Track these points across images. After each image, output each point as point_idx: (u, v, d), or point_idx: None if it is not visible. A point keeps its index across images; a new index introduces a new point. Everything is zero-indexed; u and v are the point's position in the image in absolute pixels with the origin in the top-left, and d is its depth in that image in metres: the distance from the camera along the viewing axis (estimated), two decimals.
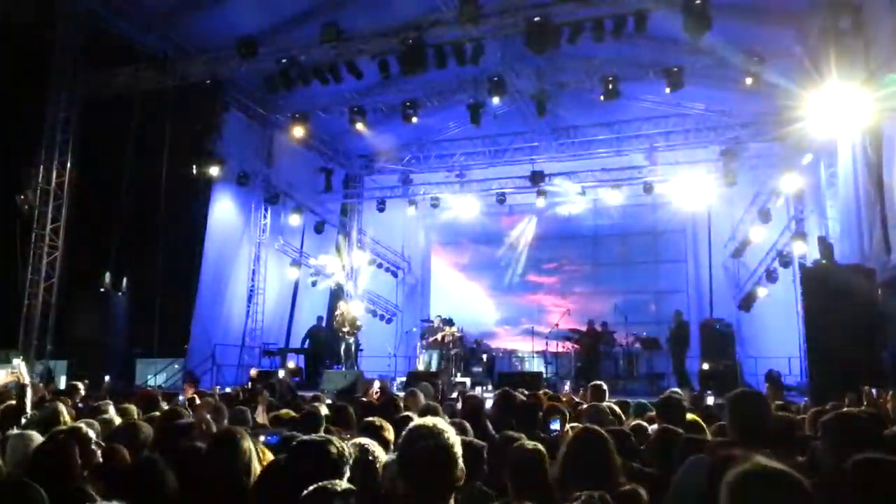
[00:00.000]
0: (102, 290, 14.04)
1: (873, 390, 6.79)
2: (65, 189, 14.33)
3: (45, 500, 2.65)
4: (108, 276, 14.04)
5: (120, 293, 14.26)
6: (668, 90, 13.47)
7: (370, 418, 4.38)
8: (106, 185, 14.48)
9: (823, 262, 11.34)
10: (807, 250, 14.65)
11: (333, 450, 2.87)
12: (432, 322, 17.08)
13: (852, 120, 11.27)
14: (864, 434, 3.35)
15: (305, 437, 3.19)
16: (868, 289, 10.09)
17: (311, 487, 2.43)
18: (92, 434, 3.92)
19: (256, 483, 3.23)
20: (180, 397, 9.60)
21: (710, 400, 8.72)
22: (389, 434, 4.02)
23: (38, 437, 4.09)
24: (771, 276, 15.75)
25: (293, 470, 2.90)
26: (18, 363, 10.59)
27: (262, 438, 4.61)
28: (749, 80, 12.90)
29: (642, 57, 13.68)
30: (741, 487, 2.01)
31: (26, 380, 9.07)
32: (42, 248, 14.07)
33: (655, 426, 4.67)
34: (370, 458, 3.16)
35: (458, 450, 2.37)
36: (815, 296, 10.58)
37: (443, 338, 16.24)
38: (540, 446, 3.48)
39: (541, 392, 7.75)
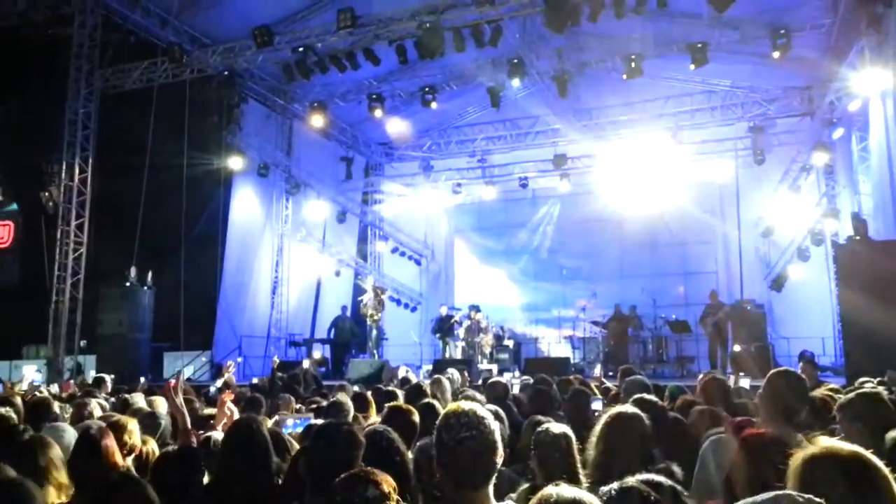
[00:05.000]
0: (128, 284, 14.14)
1: None
2: (88, 184, 14.40)
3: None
4: (133, 270, 14.13)
5: (145, 287, 14.34)
6: (692, 67, 13.11)
7: (395, 403, 4.35)
8: (127, 179, 14.50)
9: (857, 239, 10.99)
10: (839, 227, 14.26)
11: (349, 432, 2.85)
12: (440, 314, 16.96)
13: (885, 92, 10.89)
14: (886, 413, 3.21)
15: (325, 422, 3.19)
16: None
17: (347, 474, 2.32)
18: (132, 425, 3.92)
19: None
20: (211, 388, 9.61)
21: (744, 382, 8.47)
22: (415, 417, 3.99)
23: (70, 430, 4.20)
24: (803, 255, 15.37)
25: (314, 453, 2.88)
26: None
27: (289, 422, 4.61)
28: (776, 54, 12.51)
29: (665, 33, 13.36)
30: (815, 471, 1.89)
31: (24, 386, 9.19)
32: (68, 245, 14.17)
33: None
34: (386, 442, 3.10)
35: (499, 437, 2.33)
36: (850, 274, 10.25)
37: (451, 324, 16.15)
38: (567, 429, 3.37)
39: (571, 377, 7.60)
